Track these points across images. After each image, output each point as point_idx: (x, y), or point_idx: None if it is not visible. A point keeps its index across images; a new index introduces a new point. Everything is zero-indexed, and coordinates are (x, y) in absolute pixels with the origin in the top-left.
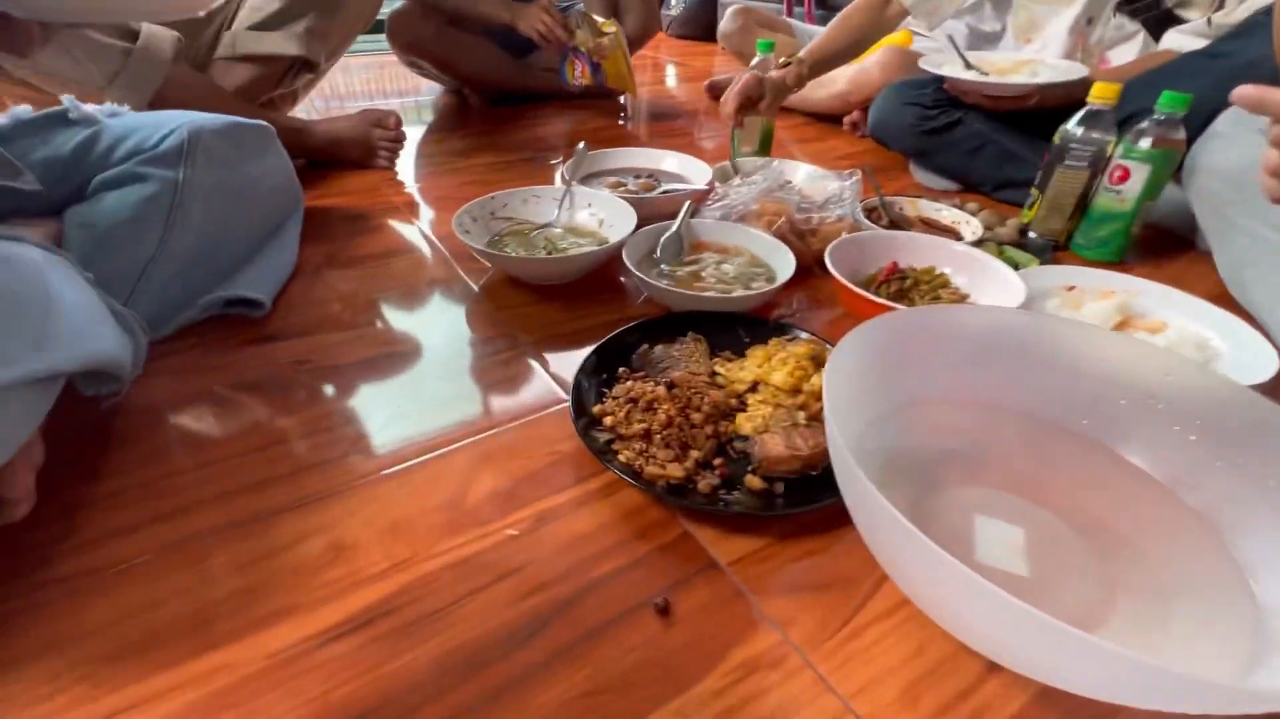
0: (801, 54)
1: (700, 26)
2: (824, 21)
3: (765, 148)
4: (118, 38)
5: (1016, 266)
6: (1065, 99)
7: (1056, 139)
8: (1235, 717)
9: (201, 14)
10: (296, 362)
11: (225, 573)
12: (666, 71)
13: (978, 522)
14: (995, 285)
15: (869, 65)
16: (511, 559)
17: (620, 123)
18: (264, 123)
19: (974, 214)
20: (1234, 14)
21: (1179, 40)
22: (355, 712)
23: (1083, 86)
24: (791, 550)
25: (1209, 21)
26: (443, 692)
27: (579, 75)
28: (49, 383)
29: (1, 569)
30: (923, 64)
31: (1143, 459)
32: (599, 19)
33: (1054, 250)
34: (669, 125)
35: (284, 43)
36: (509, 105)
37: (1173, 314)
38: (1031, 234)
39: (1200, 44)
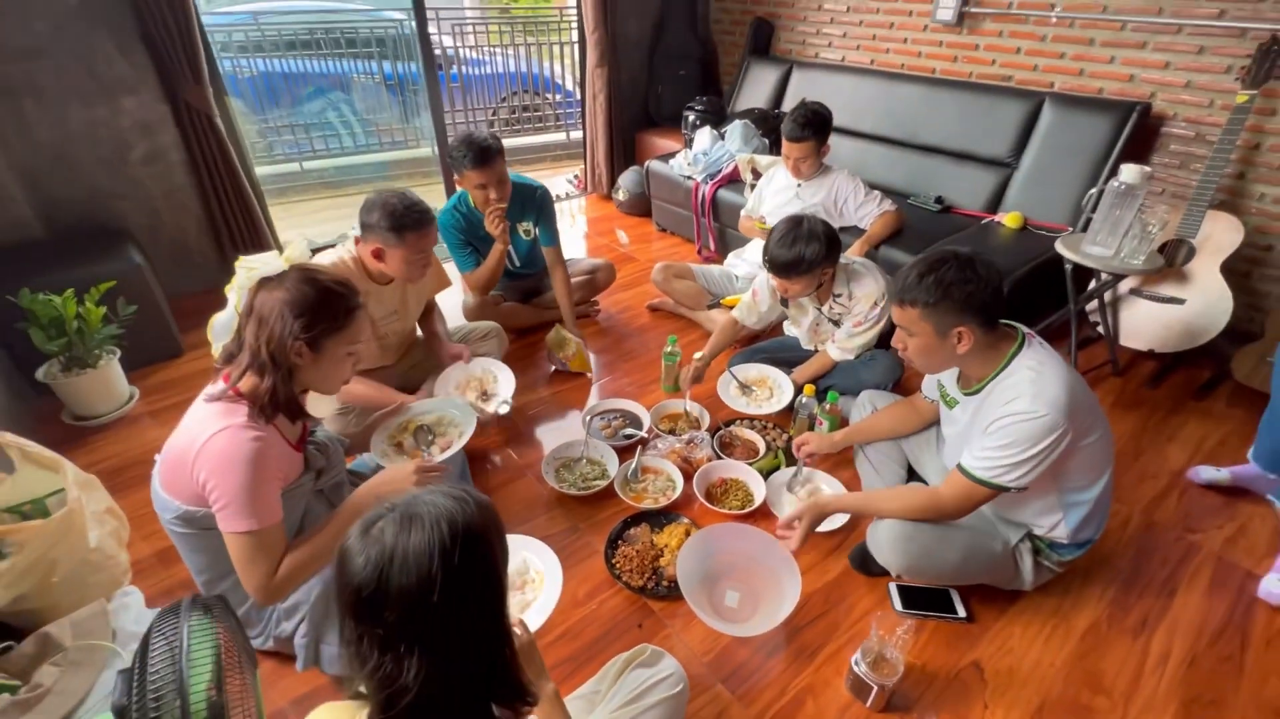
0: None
1: (640, 207)
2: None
3: (677, 385)
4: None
5: (783, 466)
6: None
7: (795, 403)
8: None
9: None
10: None
11: None
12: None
13: (728, 594)
14: (759, 489)
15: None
16: (585, 610)
17: (588, 378)
18: None
19: (774, 432)
20: (855, 340)
21: (832, 349)
22: None
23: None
24: (679, 606)
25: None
26: None
27: (559, 364)
28: None
29: None
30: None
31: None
32: (568, 334)
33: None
34: (627, 359)
35: None
36: (529, 335)
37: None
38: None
39: (838, 353)
